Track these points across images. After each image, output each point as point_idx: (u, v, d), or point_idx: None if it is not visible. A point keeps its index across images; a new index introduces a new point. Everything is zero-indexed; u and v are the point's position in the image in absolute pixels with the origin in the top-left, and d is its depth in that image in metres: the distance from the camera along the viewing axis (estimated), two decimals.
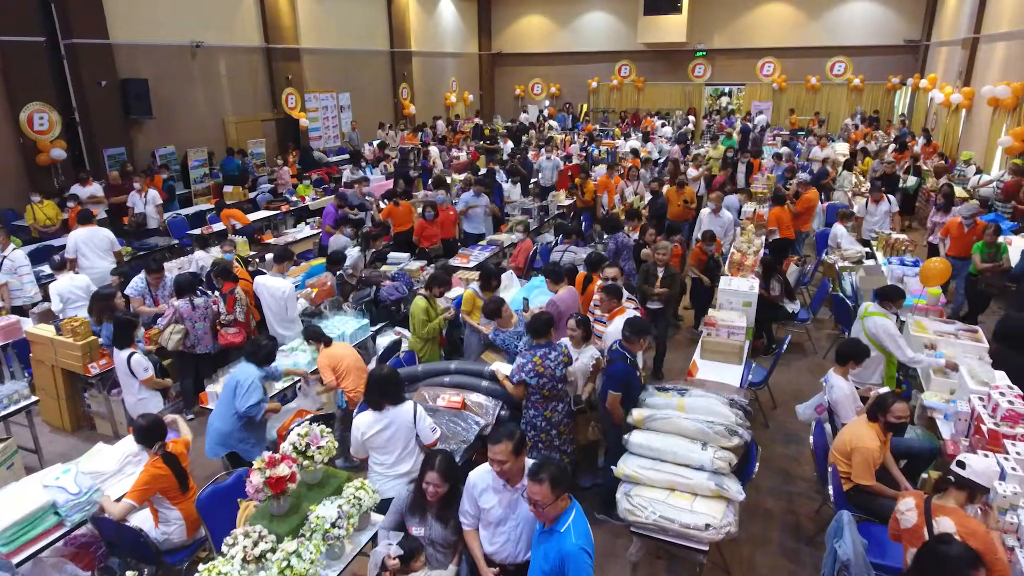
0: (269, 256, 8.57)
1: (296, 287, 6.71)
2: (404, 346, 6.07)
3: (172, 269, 8.12)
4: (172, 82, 13.17)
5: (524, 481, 3.15)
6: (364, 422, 3.84)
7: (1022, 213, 9.62)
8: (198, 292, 6.32)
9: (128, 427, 5.56)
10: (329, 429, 3.58)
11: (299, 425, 4.07)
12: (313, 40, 16.93)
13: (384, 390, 3.87)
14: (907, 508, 3.24)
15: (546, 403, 4.44)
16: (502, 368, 4.74)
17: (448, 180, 11.65)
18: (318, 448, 3.44)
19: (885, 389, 4.87)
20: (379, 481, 3.80)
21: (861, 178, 13.10)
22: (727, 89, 25.78)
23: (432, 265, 7.86)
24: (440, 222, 8.86)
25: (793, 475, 5.31)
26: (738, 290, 6.22)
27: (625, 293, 5.64)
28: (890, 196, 10.07)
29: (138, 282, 6.52)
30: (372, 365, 5.93)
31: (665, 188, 10.56)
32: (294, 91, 16.09)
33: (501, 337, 5.29)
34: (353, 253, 7.69)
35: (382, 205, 9.83)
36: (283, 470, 3.26)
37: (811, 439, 4.57)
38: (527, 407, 4.50)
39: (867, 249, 8.84)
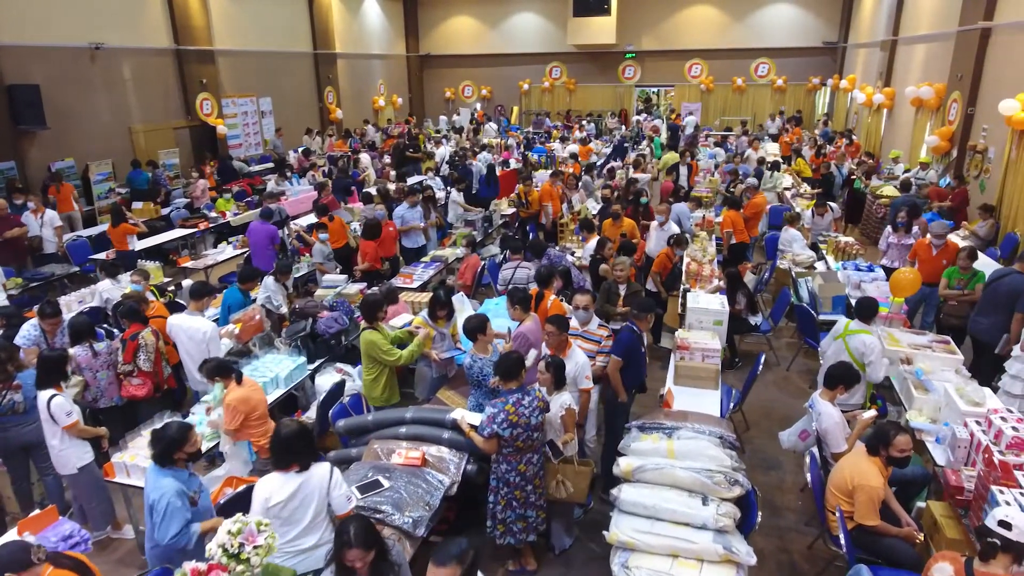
0: (187, 282, 7.64)
1: (217, 323, 5.86)
2: (348, 387, 5.38)
3: (72, 304, 7.12)
4: (69, 88, 11.85)
5: None
6: (270, 487, 3.24)
7: (951, 210, 9.73)
8: (99, 334, 5.44)
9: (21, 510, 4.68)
10: (267, 522, 2.91)
11: (227, 509, 3.39)
12: (228, 41, 15.77)
13: (293, 448, 3.26)
14: (944, 575, 2.88)
15: (520, 455, 3.90)
16: (467, 417, 4.16)
17: (373, 192, 10.81)
18: (255, 548, 2.78)
19: (871, 413, 4.60)
20: (277, 559, 3.15)
21: (797, 178, 13.21)
22: (655, 90, 26.00)
23: (373, 289, 7.14)
24: (380, 240, 8.16)
25: (779, 506, 4.96)
26: (708, 308, 5.80)
27: (597, 320, 5.16)
28: (832, 205, 10.06)
29: (30, 329, 5.42)
30: (312, 411, 5.23)
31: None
32: (209, 96, 14.92)
33: (479, 365, 4.62)
34: (268, 283, 6.75)
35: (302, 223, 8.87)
36: None
37: (807, 475, 4.23)
38: (498, 461, 3.93)
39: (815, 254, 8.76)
